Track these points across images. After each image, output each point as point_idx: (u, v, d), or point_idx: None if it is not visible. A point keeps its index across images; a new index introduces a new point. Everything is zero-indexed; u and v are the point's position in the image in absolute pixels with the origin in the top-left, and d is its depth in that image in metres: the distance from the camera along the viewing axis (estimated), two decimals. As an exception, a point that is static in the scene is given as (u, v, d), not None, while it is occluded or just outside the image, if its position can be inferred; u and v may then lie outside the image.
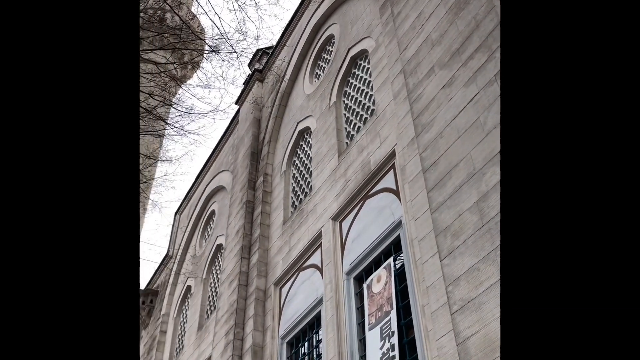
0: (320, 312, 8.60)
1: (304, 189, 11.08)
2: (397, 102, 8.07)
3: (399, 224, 7.39)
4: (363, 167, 8.73)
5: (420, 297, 6.38)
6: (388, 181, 8.09)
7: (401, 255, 7.23)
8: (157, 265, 18.85)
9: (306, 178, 11.13)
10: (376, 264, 7.71)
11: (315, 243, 9.49)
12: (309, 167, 11.17)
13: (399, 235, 7.36)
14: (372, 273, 7.61)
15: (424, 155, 6.65)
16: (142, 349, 17.17)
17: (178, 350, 14.82)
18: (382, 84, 9.14)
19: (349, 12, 11.71)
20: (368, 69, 10.19)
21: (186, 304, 15.76)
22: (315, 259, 9.39)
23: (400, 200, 7.58)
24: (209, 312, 13.67)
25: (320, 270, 9.02)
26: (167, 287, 17.02)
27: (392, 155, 8.07)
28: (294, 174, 11.82)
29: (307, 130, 11.83)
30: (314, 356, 8.47)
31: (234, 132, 15.95)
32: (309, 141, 11.55)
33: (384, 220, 7.77)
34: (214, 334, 11.33)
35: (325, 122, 10.80)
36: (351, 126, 10.10)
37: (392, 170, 8.07)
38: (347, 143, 9.99)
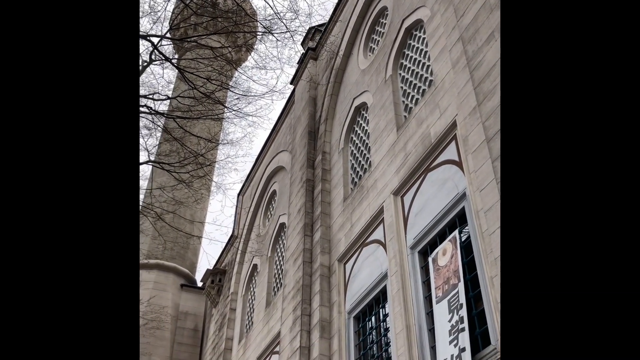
0: (385, 286, 8.63)
1: (363, 165, 11.05)
2: (456, 71, 7.85)
3: (463, 196, 7.26)
4: (423, 140, 8.59)
5: (488, 269, 6.27)
6: (450, 153, 7.94)
7: (466, 227, 7.11)
8: (224, 245, 19.47)
9: (365, 154, 11.09)
10: (441, 237, 7.63)
11: (377, 219, 9.48)
12: (367, 143, 11.11)
13: (463, 207, 7.24)
14: (436, 246, 7.54)
15: (487, 124, 6.46)
16: (213, 327, 17.89)
17: (248, 326, 15.33)
18: (440, 54, 8.91)
19: (401, -19, 11.42)
20: (424, 39, 9.94)
21: (253, 282, 16.22)
22: (377, 234, 9.39)
23: (463, 171, 7.43)
24: (275, 290, 14.02)
25: (384, 245, 9.02)
26: (234, 266, 17.57)
27: (453, 126, 7.89)
28: (352, 150, 11.80)
29: (363, 106, 11.74)
30: (382, 330, 8.54)
31: (291, 112, 16.06)
32: (365, 117, 11.47)
33: (447, 192, 7.65)
34: (282, 310, 11.63)
35: (381, 96, 10.67)
36: (409, 99, 9.94)
37: (453, 142, 7.90)
38: (405, 116, 9.84)
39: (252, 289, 16.15)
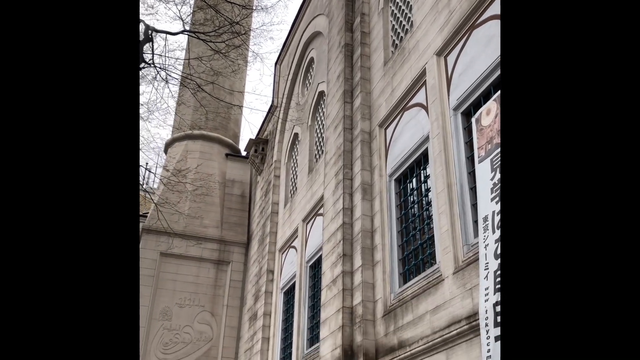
0: (427, 149, 8.69)
1: (404, 25, 10.57)
2: None
3: (510, 53, 6.94)
4: (469, -6, 8.06)
5: (533, 128, 6.18)
6: (497, 7, 7.46)
7: (512, 86, 6.89)
8: (265, 115, 19.69)
9: (406, 14, 10.56)
10: (485, 97, 7.46)
11: (419, 81, 9.28)
12: (408, 1, 10.52)
13: (510, 65, 6.95)
14: (480, 107, 7.41)
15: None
16: (259, 193, 18.76)
17: (292, 192, 16.00)
18: None
19: None
20: None
21: (295, 150, 16.60)
22: (419, 97, 9.26)
23: (511, 26, 7.02)
24: (317, 157, 14.35)
25: (426, 108, 8.93)
26: (275, 135, 17.91)
27: (503, -24, 7.31)
28: (393, 10, 11.23)
29: (404, -40, 10.93)
30: (423, 190, 8.77)
31: (326, -29, 15.14)
32: (407, -28, 10.73)
33: (494, 50, 7.33)
34: (324, 175, 12.00)
35: (424, -53, 9.86)
36: (454, -51, 9.15)
37: (502, -6, 7.38)
38: (450, -31, 9.15)
39: (294, 157, 16.58)
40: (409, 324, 7.81)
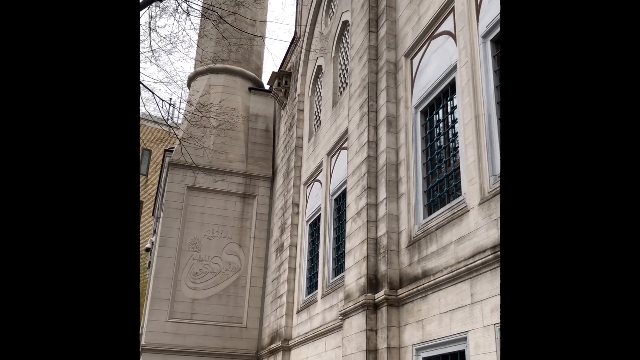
0: (454, 79, 8.46)
1: (432, -53, 10.02)
2: None
3: (545, -25, 6.56)
4: None
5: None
6: None
7: (547, 10, 6.56)
8: (287, 46, 19.31)
9: None
10: (517, 23, 7.12)
11: (447, 8, 8.90)
12: None
13: (545, -13, 6.58)
14: (511, 33, 7.10)
15: None
16: (283, 127, 18.73)
17: (316, 126, 15.92)
18: None
19: None
20: None
21: (319, 83, 16.36)
22: (447, 25, 8.91)
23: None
24: (341, 89, 14.14)
25: (454, 36, 8.61)
26: (299, 68, 17.63)
27: None
28: None
29: None
30: (449, 122, 8.63)
31: None
32: None
33: (528, -29, 6.92)
34: (349, 108, 11.86)
35: None
36: None
37: None
38: None
39: (318, 90, 16.37)
40: (433, 254, 7.92)
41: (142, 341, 16.57)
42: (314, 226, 14.69)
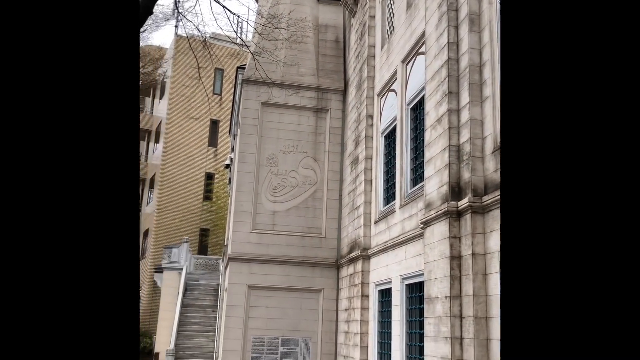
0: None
1: None
2: None
3: None
4: None
5: None
6: None
7: None
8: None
9: None
10: None
11: None
12: None
13: None
14: None
15: None
16: (353, 37, 18.08)
17: (389, 32, 15.21)
18: None
19: None
20: None
21: (390, -15, 15.43)
22: None
23: None
24: (415, -10, 13.26)
25: None
26: (369, -29, 16.65)
27: None
28: None
29: None
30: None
31: None
32: None
33: None
34: (425, 8, 11.14)
35: None
36: None
37: None
38: None
39: (390, -7, 15.48)
40: (521, 159, 7.56)
41: (229, 251, 17.57)
42: (390, 137, 14.45)
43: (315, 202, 17.79)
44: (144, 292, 32.72)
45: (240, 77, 18.76)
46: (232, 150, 23.94)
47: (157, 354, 25.32)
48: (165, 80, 36.74)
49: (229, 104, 33.82)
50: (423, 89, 11.67)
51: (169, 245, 29.33)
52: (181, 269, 27.27)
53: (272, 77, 17.06)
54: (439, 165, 9.45)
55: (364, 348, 13.77)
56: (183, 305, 25.06)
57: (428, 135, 10.24)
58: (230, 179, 24.12)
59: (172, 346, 22.14)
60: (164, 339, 24.78)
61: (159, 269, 28.89)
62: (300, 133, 18.23)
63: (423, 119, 11.48)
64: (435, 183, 9.55)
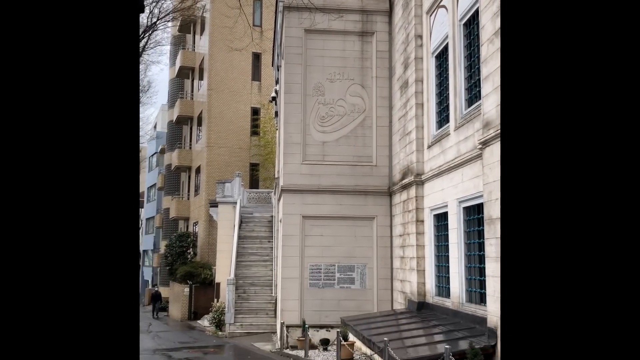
0: None
1: None
2: None
3: None
4: None
5: None
6: None
7: None
8: None
9: None
10: None
11: None
12: None
13: None
14: None
15: None
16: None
17: (437, -58, 14.18)
18: None
19: None
20: None
21: None
22: None
23: None
24: None
25: None
26: None
27: None
28: None
29: None
30: None
31: None
32: None
33: None
34: None
35: None
36: None
37: None
38: None
39: None
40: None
41: (281, 183, 17.74)
42: (441, 57, 13.80)
43: (364, 130, 17.50)
44: (200, 227, 33.93)
45: (281, 4, 18.16)
46: (277, 82, 23.64)
47: (218, 284, 26.51)
48: (204, 15, 36.19)
49: (271, 34, 33.16)
50: (477, 1, 10.92)
51: (221, 181, 29.95)
52: (235, 203, 27.92)
53: (314, 1, 16.42)
54: (498, 80, 8.95)
55: (420, 272, 13.88)
56: (240, 237, 25.87)
57: (484, 51, 9.66)
58: (276, 112, 23.98)
59: (232, 276, 23.08)
60: (224, 269, 25.82)
61: (213, 204, 29.69)
62: (346, 59, 17.70)
63: (477, 35, 10.82)
64: (494, 100, 9.09)
